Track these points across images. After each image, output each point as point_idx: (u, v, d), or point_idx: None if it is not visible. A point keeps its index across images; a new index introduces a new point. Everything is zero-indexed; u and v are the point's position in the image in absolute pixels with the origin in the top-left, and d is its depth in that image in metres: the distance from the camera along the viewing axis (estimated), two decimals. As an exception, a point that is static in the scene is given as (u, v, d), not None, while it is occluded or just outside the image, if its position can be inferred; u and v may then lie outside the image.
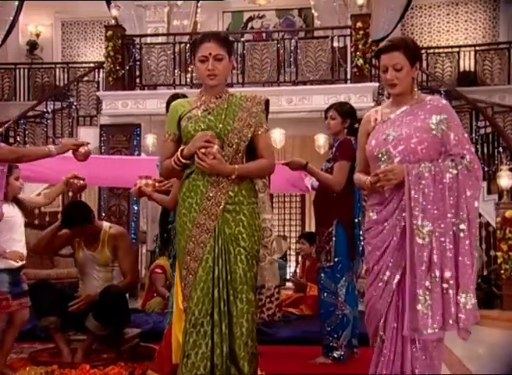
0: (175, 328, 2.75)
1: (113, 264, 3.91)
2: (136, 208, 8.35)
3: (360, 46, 7.91)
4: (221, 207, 2.40)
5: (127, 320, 3.85)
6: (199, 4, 9.91)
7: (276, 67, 8.23)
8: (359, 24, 8.03)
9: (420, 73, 8.70)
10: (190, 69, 8.41)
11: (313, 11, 10.04)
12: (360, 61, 7.87)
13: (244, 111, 2.46)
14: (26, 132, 8.44)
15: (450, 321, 2.23)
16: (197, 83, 8.37)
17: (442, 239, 2.27)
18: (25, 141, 8.39)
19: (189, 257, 2.40)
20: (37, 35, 10.87)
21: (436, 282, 2.24)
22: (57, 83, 9.74)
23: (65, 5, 10.48)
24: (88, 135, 8.49)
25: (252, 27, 11.09)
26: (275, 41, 8.35)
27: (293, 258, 10.62)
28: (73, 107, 8.76)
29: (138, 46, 8.50)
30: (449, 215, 2.28)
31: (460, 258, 2.27)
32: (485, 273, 7.02)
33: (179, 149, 2.43)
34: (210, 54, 2.40)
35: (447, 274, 2.24)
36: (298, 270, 6.96)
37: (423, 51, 9.55)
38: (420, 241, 2.26)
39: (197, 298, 2.34)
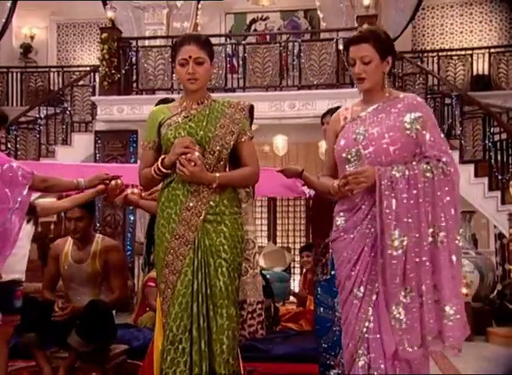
0: (157, 344, 2.73)
1: (102, 279, 3.89)
2: (132, 218, 8.35)
3: (366, 48, 7.90)
4: (201, 217, 2.40)
5: (113, 336, 3.82)
6: (199, 5, 9.94)
7: (279, 71, 8.26)
8: (365, 26, 7.99)
9: (430, 77, 8.71)
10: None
11: (318, 12, 10.05)
12: (367, 64, 7.85)
13: (227, 117, 2.47)
14: (18, 139, 8.48)
15: (429, 338, 2.16)
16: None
17: (417, 250, 2.20)
18: (16, 147, 8.44)
19: (167, 270, 2.40)
20: (32, 38, 10.97)
21: (412, 297, 2.18)
22: (51, 87, 9.80)
23: (60, 7, 10.59)
24: (82, 142, 8.56)
25: (255, 29, 11.14)
26: (278, 44, 8.36)
27: (297, 271, 10.57)
28: (67, 112, 8.81)
29: (135, 49, 8.55)
30: (424, 223, 2.20)
31: (439, 271, 2.19)
32: (499, 287, 6.96)
33: (160, 158, 2.44)
34: (190, 57, 2.41)
35: (424, 288, 2.17)
36: (299, 283, 6.93)
37: (434, 53, 9.57)
38: (392, 252, 2.19)
39: (175, 314, 2.33)
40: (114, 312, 4.07)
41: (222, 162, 2.46)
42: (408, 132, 2.29)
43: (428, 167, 2.24)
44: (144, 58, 8.49)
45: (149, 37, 9.14)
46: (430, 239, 2.21)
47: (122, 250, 4.39)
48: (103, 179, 3.20)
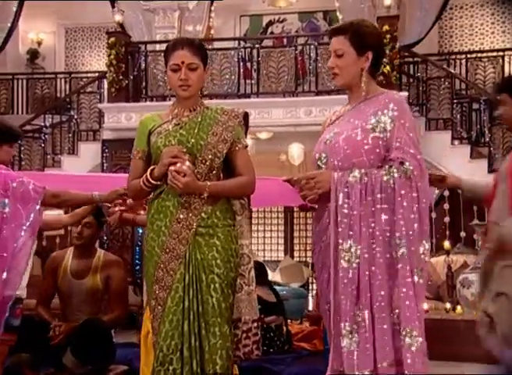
0: (142, 362, 2.73)
1: (102, 296, 3.91)
2: (140, 231, 8.37)
3: (387, 51, 7.88)
4: (192, 230, 2.41)
5: (111, 356, 3.82)
6: (212, 7, 10.01)
7: (294, 76, 8.27)
8: (386, 27, 8.01)
9: (458, 81, 8.65)
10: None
11: (338, 13, 10.05)
12: (387, 68, 7.85)
13: (219, 125, 2.49)
14: (22, 148, 8.58)
15: (384, 364, 2.05)
16: (208, 93, 8.44)
17: (373, 263, 2.12)
18: (20, 157, 8.54)
19: (157, 286, 2.40)
20: (39, 43, 11.13)
21: (365, 316, 2.09)
22: (58, 94, 9.94)
23: (68, 11, 10.73)
24: (90, 151, 8.64)
25: (272, 32, 11.15)
26: (293, 48, 8.38)
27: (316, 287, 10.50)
28: (74, 121, 8.91)
29: (144, 54, 8.63)
30: (380, 233, 2.12)
31: (397, 289, 2.10)
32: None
33: (149, 169, 2.45)
34: (183, 62, 2.42)
35: (379, 306, 2.09)
36: (313, 301, 6.90)
37: (462, 56, 9.50)
38: (345, 265, 2.13)
39: (165, 332, 2.33)
40: (117, 329, 4.07)
41: (214, 172, 2.47)
42: (375, 134, 2.23)
43: (389, 171, 2.16)
44: (154, 64, 8.56)
45: (159, 42, 9.20)
46: (387, 252, 2.13)
47: (124, 266, 4.41)
48: (121, 194, 3.15)
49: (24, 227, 2.85)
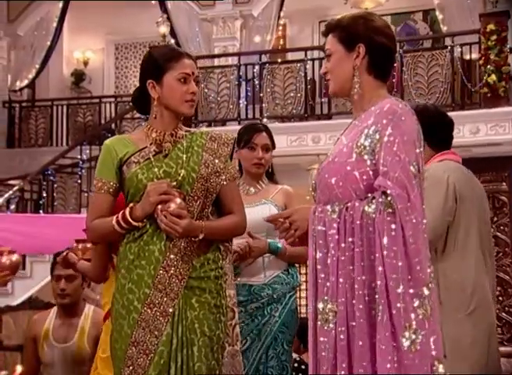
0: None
1: (91, 363, 3.69)
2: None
3: (492, 57, 7.54)
4: (183, 281, 2.40)
5: None
6: (282, 13, 9.93)
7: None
8: (490, 26, 7.64)
9: None
10: (261, 95, 8.42)
11: (437, 13, 9.76)
12: (493, 77, 7.50)
13: (209, 153, 2.51)
14: (55, 185, 8.75)
15: None
16: (270, 115, 8.36)
17: (351, 324, 2.05)
18: (53, 196, 8.71)
19: (136, 349, 2.36)
20: (85, 63, 11.49)
21: None
22: (102, 122, 10.13)
23: (118, 25, 11.03)
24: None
25: None
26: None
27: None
28: (115, 152, 8.99)
29: None
30: (359, 285, 2.04)
31: (377, 357, 1.98)
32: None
33: (128, 207, 2.42)
34: (193, 73, 2.47)
35: None
36: None
37: None
38: (322, 325, 2.10)
39: None
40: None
41: (205, 211, 2.48)
42: (364, 157, 2.15)
43: (369, 204, 2.07)
44: (205, 82, 8.58)
45: (210, 56, 9.22)
46: (366, 308, 2.04)
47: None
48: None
49: None
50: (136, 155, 2.46)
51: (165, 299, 2.38)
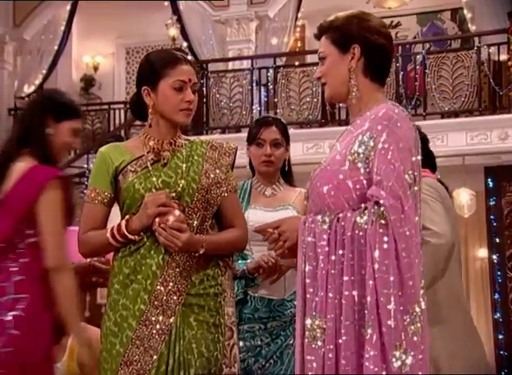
0: None
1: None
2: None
3: (527, 60, 7.48)
4: (181, 298, 2.40)
5: None
6: (300, 13, 9.87)
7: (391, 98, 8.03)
8: (518, 26, 7.54)
9: None
10: (276, 100, 8.36)
11: (465, 11, 9.67)
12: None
13: (210, 163, 2.50)
14: (60, 196, 8.73)
15: None
16: (285, 121, 8.29)
17: (339, 343, 2.03)
18: (57, 208, 8.68)
19: (128, 369, 2.35)
20: (95, 68, 11.56)
21: None
22: (111, 129, 10.13)
23: (130, 28, 11.07)
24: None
25: None
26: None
27: None
28: (122, 161, 9.00)
29: (205, 75, 8.75)
30: (347, 301, 2.03)
31: None
32: None
33: (124, 220, 2.41)
34: (190, 80, 2.45)
35: None
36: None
37: None
38: (309, 342, 2.09)
39: None
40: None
41: (205, 224, 2.48)
42: (358, 165, 2.14)
43: (362, 215, 2.06)
44: (217, 87, 8.56)
45: (220, 60, 9.21)
46: (355, 325, 2.03)
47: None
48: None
49: None
50: (132, 164, 2.46)
51: (162, 317, 2.38)
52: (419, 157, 2.15)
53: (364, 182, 2.12)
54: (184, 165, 2.47)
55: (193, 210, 2.43)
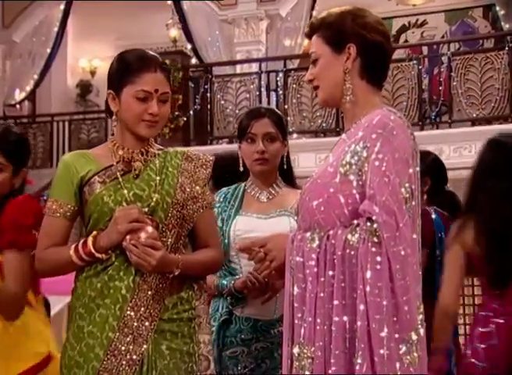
0: None
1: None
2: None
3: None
4: (154, 324, 2.39)
5: None
6: (314, 11, 9.82)
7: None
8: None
9: None
10: (286, 107, 8.35)
11: (498, 8, 9.69)
12: None
13: (185, 176, 2.51)
14: (52, 213, 8.72)
15: None
16: (297, 130, 8.31)
17: (328, 372, 2.03)
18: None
19: None
20: (92, 73, 11.60)
21: None
22: (108, 138, 10.08)
23: (129, 30, 11.08)
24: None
25: (406, 41, 11.17)
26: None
27: None
28: (118, 174, 9.01)
29: (208, 79, 8.75)
30: (337, 327, 2.02)
31: None
32: None
33: (91, 236, 2.36)
34: (156, 91, 2.41)
35: None
36: None
37: None
38: (297, 372, 2.10)
39: None
40: None
41: (180, 243, 2.49)
42: (350, 177, 2.13)
43: (353, 232, 2.06)
44: (222, 93, 8.55)
45: (226, 63, 9.17)
46: (346, 355, 2.03)
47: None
48: None
49: None
50: (101, 174, 2.43)
51: (133, 345, 2.38)
52: (417, 168, 2.14)
53: (357, 196, 2.12)
54: (158, 177, 2.46)
55: (168, 227, 2.43)
